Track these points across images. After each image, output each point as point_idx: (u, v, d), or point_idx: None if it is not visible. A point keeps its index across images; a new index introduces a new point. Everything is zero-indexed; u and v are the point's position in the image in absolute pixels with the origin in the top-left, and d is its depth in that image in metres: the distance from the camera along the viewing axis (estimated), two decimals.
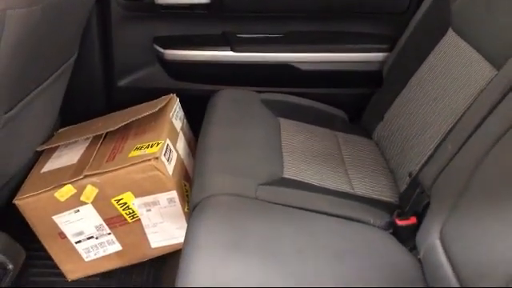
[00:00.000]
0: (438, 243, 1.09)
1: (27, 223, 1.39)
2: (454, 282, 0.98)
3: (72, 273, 1.47)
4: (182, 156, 1.49)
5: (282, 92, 1.79)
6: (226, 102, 1.69)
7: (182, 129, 1.57)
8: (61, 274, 1.47)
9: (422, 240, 1.15)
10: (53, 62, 1.43)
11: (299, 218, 1.18)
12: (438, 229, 1.10)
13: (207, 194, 1.22)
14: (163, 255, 1.48)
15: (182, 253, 1.06)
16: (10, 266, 1.18)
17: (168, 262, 1.48)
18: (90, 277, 1.49)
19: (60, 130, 1.66)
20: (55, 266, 1.47)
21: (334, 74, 1.79)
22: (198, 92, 1.80)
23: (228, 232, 1.09)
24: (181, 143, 1.52)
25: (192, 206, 1.23)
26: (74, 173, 1.35)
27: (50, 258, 1.47)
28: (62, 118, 1.73)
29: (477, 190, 1.02)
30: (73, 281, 1.48)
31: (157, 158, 1.30)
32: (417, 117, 1.44)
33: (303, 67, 1.77)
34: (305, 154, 1.47)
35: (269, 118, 1.62)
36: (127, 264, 1.48)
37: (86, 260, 1.45)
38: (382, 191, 1.39)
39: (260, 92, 1.76)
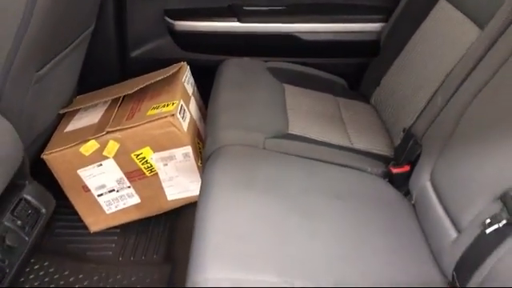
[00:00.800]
0: (428, 184, 1.22)
1: (54, 180, 1.52)
2: (444, 218, 1.11)
3: (94, 225, 1.60)
4: (195, 117, 1.61)
5: (286, 61, 1.91)
6: (234, 70, 1.81)
7: (193, 94, 1.70)
8: (84, 227, 1.61)
9: (415, 184, 1.28)
10: (74, 30, 1.55)
11: (303, 165, 1.31)
12: (429, 172, 1.23)
13: (219, 145, 1.35)
14: (178, 208, 1.61)
15: (199, 194, 1.19)
16: (43, 210, 1.31)
17: (183, 213, 1.61)
18: (110, 228, 1.62)
19: (78, 97, 1.78)
20: (79, 220, 1.60)
21: (334, 43, 1.91)
22: (207, 62, 1.92)
23: (239, 175, 1.21)
24: (192, 106, 1.64)
25: (205, 158, 1.36)
26: (97, 130, 1.48)
27: (74, 213, 1.60)
28: (78, 88, 1.85)
29: (461, 133, 1.15)
30: (95, 232, 1.60)
31: (173, 115, 1.43)
32: (410, 80, 1.57)
33: (305, 37, 1.89)
34: (308, 114, 1.60)
35: (274, 84, 1.74)
36: (145, 216, 1.61)
37: (108, 212, 1.58)
38: (379, 146, 1.52)
39: (266, 61, 1.88)
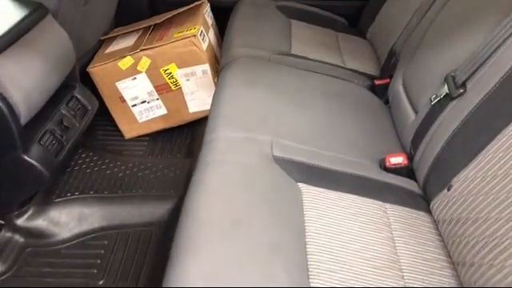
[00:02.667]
0: (400, 88, 1.49)
1: (97, 95, 1.83)
2: (408, 108, 1.38)
3: (128, 132, 1.92)
4: (212, 43, 1.91)
5: (289, 2, 2.18)
6: (247, 7, 2.09)
7: (211, 25, 1.98)
8: (120, 135, 1.92)
9: (390, 90, 1.55)
10: None
11: (299, 73, 1.59)
12: (401, 77, 1.50)
13: (231, 58, 1.64)
14: (198, 120, 1.91)
15: (214, 91, 1.49)
16: (89, 108, 1.62)
17: (203, 124, 1.90)
18: (140, 136, 1.93)
19: (115, 29, 2.09)
20: (116, 129, 1.92)
21: None
22: (224, 3, 2.20)
23: (247, 78, 1.51)
24: (211, 34, 1.93)
25: (220, 69, 1.65)
26: (132, 49, 1.79)
27: (111, 124, 1.91)
28: (115, 24, 2.15)
29: (427, 40, 1.42)
30: (128, 139, 1.92)
31: (194, 36, 1.72)
32: (400, 13, 1.82)
33: None
34: (309, 41, 1.88)
35: (282, 18, 2.02)
36: (171, 126, 1.92)
37: (140, 121, 1.90)
38: (368, 67, 1.79)
39: (275, 1, 2.15)
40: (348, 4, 2.23)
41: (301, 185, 1.12)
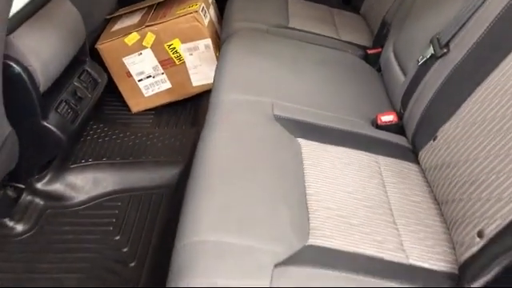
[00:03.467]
0: (391, 55, 1.59)
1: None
2: (398, 72, 1.49)
3: (135, 106, 2.02)
4: (213, 20, 2.00)
5: None
6: None
7: (212, 2, 2.08)
8: (127, 109, 2.03)
9: (382, 58, 1.66)
10: None
11: (296, 44, 1.70)
12: (392, 45, 1.60)
13: (232, 31, 1.74)
14: (200, 95, 2.01)
15: (218, 61, 1.59)
16: (99, 81, 1.72)
17: (205, 98, 2.01)
18: (146, 110, 2.03)
19: (120, 9, 2.18)
20: (123, 104, 2.02)
21: None
22: None
23: (247, 47, 1.61)
24: (212, 11, 2.03)
25: (222, 42, 1.75)
26: (137, 25, 1.89)
27: (119, 100, 2.02)
28: (119, 5, 2.24)
29: (415, 10, 1.52)
30: (136, 113, 2.02)
31: (196, 11, 1.82)
32: None
33: None
34: (305, 16, 1.98)
35: None
36: (175, 99, 2.02)
37: (146, 95, 2.00)
38: (362, 39, 1.90)
39: None
40: None
41: (300, 140, 1.23)
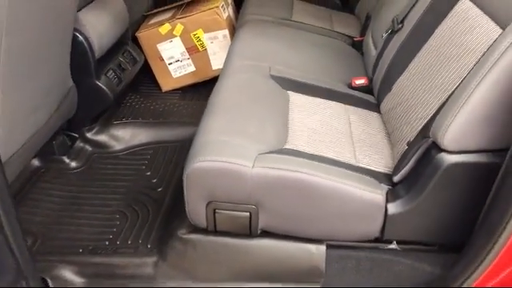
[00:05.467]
0: (370, 39, 1.99)
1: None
2: (373, 50, 1.88)
3: (165, 85, 2.45)
4: (231, 15, 2.44)
5: None
6: None
7: (230, 3, 2.52)
8: (158, 89, 2.46)
9: (364, 42, 2.05)
10: None
11: (296, 30, 2.11)
12: (370, 31, 1.99)
13: (244, 22, 2.17)
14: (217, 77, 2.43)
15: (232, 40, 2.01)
16: (138, 59, 2.18)
17: None
18: (175, 90, 2.46)
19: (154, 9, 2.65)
20: (155, 84, 2.46)
21: None
22: None
23: (255, 31, 2.03)
24: (230, 9, 2.47)
25: (236, 29, 2.19)
26: (169, 19, 2.33)
27: (151, 82, 2.45)
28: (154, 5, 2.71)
29: (384, 3, 1.92)
30: (165, 91, 2.45)
31: (217, 7, 2.26)
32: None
33: None
34: (306, 14, 2.40)
35: (285, 0, 2.55)
36: (198, 81, 2.44)
37: (174, 77, 2.43)
38: (351, 30, 2.30)
39: None
40: None
41: (289, 92, 1.63)
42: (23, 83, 1.37)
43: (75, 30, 1.71)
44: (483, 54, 1.13)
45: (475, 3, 1.30)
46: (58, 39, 1.58)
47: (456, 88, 1.17)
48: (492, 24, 1.18)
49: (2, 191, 1.01)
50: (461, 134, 1.12)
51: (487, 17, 1.22)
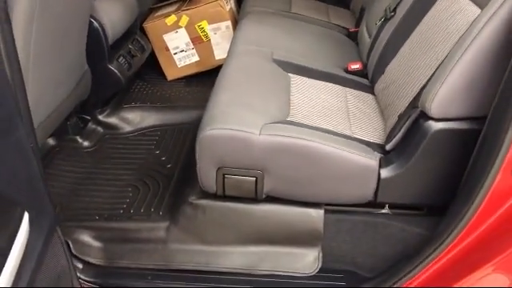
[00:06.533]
0: (364, 28, 2.13)
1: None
2: (367, 37, 2.02)
3: (170, 75, 2.58)
4: (233, 8, 2.58)
5: None
6: None
7: None
8: (164, 78, 2.58)
9: (359, 32, 2.19)
10: None
11: (295, 21, 2.25)
12: (364, 21, 2.13)
13: (247, 11, 2.30)
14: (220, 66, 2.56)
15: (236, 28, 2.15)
16: (145, 47, 2.31)
17: None
18: (180, 79, 2.58)
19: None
20: (160, 73, 2.58)
21: None
22: None
23: (256, 20, 2.17)
24: (232, 2, 2.61)
25: (239, 20, 2.32)
26: (175, 10, 2.47)
27: (156, 70, 2.58)
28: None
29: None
30: (170, 80, 2.58)
31: (221, 0, 2.40)
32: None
33: None
34: (304, 7, 2.54)
35: None
36: (201, 70, 2.57)
37: (179, 66, 2.56)
38: (347, 22, 2.44)
39: None
40: None
41: (290, 74, 1.76)
42: (49, 61, 1.50)
43: (91, 17, 1.84)
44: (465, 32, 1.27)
45: None
46: (77, 24, 1.71)
47: (441, 64, 1.31)
48: (474, 7, 1.32)
49: (35, 153, 1.14)
50: (446, 102, 1.25)
51: (470, 1, 1.36)
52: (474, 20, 1.25)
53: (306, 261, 1.51)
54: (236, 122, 1.38)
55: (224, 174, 1.41)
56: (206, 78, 2.60)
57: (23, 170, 0.94)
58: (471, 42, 1.22)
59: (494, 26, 1.19)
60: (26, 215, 0.81)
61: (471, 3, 1.35)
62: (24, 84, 1.07)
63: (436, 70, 1.33)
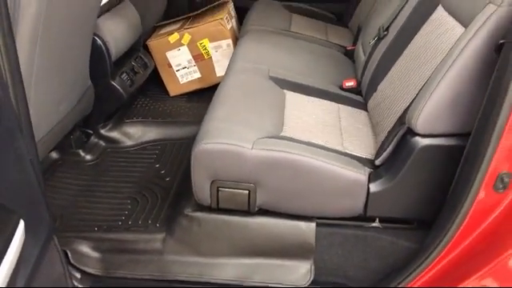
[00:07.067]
0: (360, 47, 2.18)
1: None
2: (362, 55, 2.07)
3: (173, 91, 2.64)
4: (234, 27, 2.65)
5: (293, 3, 2.92)
6: (261, 5, 2.84)
7: (234, 16, 2.74)
8: (166, 94, 2.65)
9: (355, 51, 2.24)
10: None
11: (293, 39, 2.31)
12: (360, 40, 2.19)
13: (247, 29, 2.37)
14: None
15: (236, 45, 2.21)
16: (148, 64, 2.38)
17: None
18: (182, 95, 2.65)
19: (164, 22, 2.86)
20: (163, 90, 2.65)
21: None
22: (245, 3, 2.95)
23: (256, 38, 2.23)
24: (233, 21, 2.68)
25: (239, 38, 2.39)
26: (178, 29, 2.54)
27: (159, 86, 2.64)
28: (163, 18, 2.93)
29: (372, 13, 2.11)
30: (173, 96, 2.64)
31: (221, 19, 2.47)
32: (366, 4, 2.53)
33: None
34: (303, 26, 2.60)
35: (286, 13, 2.76)
36: (203, 86, 2.63)
37: (181, 82, 2.62)
38: (345, 41, 2.50)
39: (281, 2, 2.90)
40: (337, 5, 2.96)
41: (286, 91, 1.81)
42: (52, 77, 1.56)
43: (95, 34, 1.91)
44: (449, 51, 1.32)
45: (447, 10, 1.49)
46: (81, 42, 1.78)
47: (426, 81, 1.36)
48: (459, 27, 1.37)
49: (34, 165, 1.19)
50: (431, 119, 1.30)
51: (456, 21, 1.41)
52: (458, 39, 1.30)
53: (299, 273, 1.54)
54: (229, 136, 1.43)
55: (218, 187, 1.45)
56: (208, 94, 2.65)
57: (21, 182, 0.99)
58: (454, 60, 1.26)
59: (476, 45, 1.24)
60: (22, 223, 0.86)
61: (458, 24, 1.40)
62: (26, 98, 1.13)
63: (422, 87, 1.37)
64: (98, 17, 1.94)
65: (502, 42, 1.15)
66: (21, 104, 1.10)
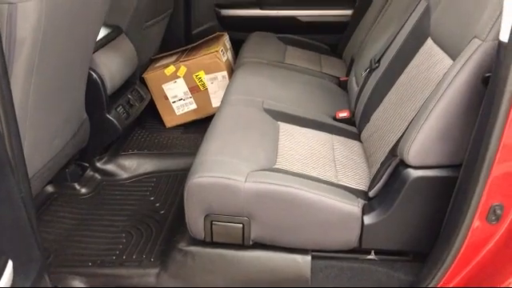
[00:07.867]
0: (353, 78, 2.21)
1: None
2: (355, 87, 2.09)
3: (169, 122, 2.66)
4: (229, 59, 2.69)
5: (288, 35, 2.97)
6: (256, 38, 2.89)
7: (229, 48, 2.78)
8: (162, 125, 2.66)
9: (348, 81, 2.27)
10: (160, 9, 2.67)
11: (287, 71, 2.34)
12: (353, 71, 2.22)
13: (242, 61, 2.41)
14: None
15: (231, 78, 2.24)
16: (145, 97, 2.41)
17: None
18: (178, 126, 2.66)
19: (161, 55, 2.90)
20: (159, 121, 2.66)
21: (322, 23, 2.97)
22: (240, 36, 3.00)
23: (250, 70, 2.26)
24: (229, 54, 2.72)
25: (234, 70, 2.42)
26: (174, 61, 2.57)
27: (155, 118, 2.66)
28: (159, 51, 2.97)
29: (365, 46, 2.15)
30: (169, 127, 2.65)
31: (217, 51, 2.50)
32: (359, 35, 2.57)
33: (303, 19, 2.96)
34: (298, 57, 2.64)
35: (280, 45, 2.80)
36: (200, 117, 2.65)
37: (177, 114, 2.64)
38: (338, 71, 2.53)
39: (276, 34, 2.95)
40: (331, 36, 3.01)
41: (279, 123, 1.82)
42: (47, 113, 1.57)
43: (90, 69, 1.94)
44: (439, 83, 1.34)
45: (436, 43, 1.52)
46: (76, 76, 1.80)
47: (417, 113, 1.37)
48: (448, 59, 1.39)
49: (26, 202, 1.19)
50: (422, 150, 1.30)
51: (444, 53, 1.43)
52: (447, 71, 1.32)
53: None
54: (223, 169, 1.43)
55: (212, 221, 1.45)
56: (204, 124, 2.68)
57: (11, 220, 0.98)
58: (444, 92, 1.28)
59: (464, 77, 1.25)
60: (10, 263, 0.85)
61: (447, 56, 1.42)
62: (19, 134, 1.14)
63: (413, 119, 1.38)
64: (95, 51, 1.97)
65: (487, 75, 1.16)
66: (14, 141, 1.11)
